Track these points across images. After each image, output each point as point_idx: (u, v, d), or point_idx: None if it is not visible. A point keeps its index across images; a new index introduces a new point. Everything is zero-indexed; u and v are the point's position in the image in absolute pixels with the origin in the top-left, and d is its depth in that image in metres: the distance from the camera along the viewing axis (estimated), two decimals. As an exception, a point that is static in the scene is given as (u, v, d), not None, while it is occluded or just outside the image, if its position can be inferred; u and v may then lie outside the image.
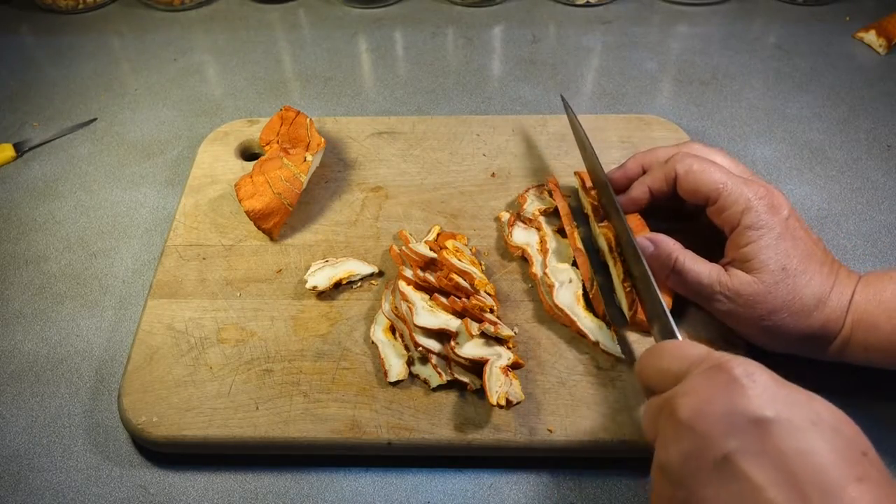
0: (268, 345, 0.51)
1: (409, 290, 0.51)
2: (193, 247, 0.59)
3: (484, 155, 0.66)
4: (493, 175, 0.64)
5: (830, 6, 0.89)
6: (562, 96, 0.65)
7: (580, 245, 0.54)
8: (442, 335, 0.49)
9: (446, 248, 0.54)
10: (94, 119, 0.77)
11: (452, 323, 0.48)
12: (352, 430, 0.47)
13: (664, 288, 0.50)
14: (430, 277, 0.51)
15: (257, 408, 0.48)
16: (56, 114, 0.78)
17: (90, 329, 0.56)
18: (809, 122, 0.73)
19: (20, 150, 0.72)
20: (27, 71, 0.84)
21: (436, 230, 0.58)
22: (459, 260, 0.53)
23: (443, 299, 0.50)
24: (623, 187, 0.54)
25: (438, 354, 0.48)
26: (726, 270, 0.47)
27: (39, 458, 0.49)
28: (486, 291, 0.51)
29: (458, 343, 0.47)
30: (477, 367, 0.47)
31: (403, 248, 0.55)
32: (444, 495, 0.46)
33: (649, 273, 0.47)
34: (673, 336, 0.43)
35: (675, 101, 0.76)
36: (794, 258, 0.45)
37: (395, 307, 0.51)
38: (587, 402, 0.47)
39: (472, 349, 0.47)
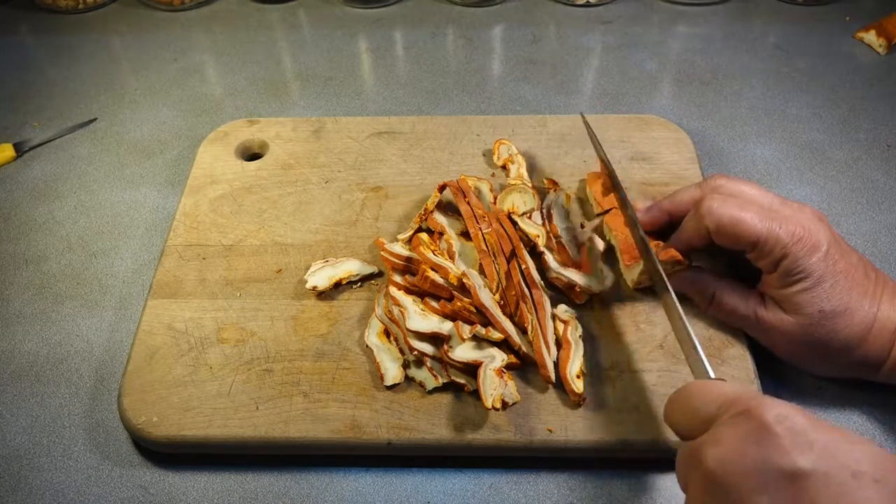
0: (268, 345, 0.51)
1: (399, 295, 0.50)
2: (193, 247, 0.59)
3: (484, 155, 0.66)
4: (493, 175, 0.64)
5: (830, 6, 0.89)
6: (582, 114, 0.63)
7: (485, 247, 0.52)
8: (435, 338, 0.49)
9: (421, 241, 0.53)
10: (94, 119, 0.77)
11: (444, 326, 0.48)
12: (352, 430, 0.47)
13: (674, 250, 0.49)
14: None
15: (257, 408, 0.48)
16: (56, 114, 0.78)
17: (90, 329, 0.56)
18: (809, 122, 0.73)
19: (20, 150, 0.72)
20: (27, 71, 0.84)
21: (414, 227, 0.57)
22: (434, 253, 0.52)
23: (433, 303, 0.50)
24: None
25: (433, 357, 0.48)
26: (763, 300, 0.46)
27: (39, 458, 0.49)
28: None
29: (451, 346, 0.47)
30: (472, 368, 0.47)
31: (381, 252, 0.54)
32: (444, 495, 0.46)
33: (678, 306, 0.44)
34: (704, 374, 0.40)
35: (675, 101, 0.76)
36: (833, 299, 0.43)
37: (388, 311, 0.51)
38: (587, 402, 0.47)
39: (464, 353, 0.47)
